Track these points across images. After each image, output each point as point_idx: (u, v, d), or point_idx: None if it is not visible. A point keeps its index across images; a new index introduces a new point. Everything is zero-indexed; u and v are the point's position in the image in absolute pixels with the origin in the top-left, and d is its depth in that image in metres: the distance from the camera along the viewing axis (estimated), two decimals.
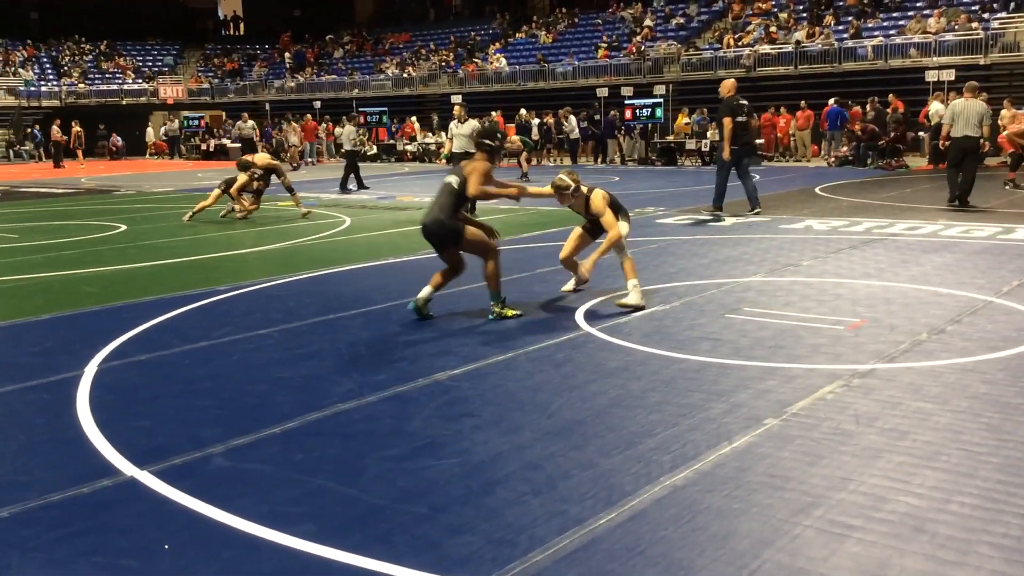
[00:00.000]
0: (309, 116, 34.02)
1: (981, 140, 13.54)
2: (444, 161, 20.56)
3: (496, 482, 3.86)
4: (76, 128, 35.74)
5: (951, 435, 4.24)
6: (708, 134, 25.50)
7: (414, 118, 34.56)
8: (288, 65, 45.45)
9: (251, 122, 30.63)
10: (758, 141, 23.78)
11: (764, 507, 3.53)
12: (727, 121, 13.00)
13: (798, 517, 3.43)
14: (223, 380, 5.55)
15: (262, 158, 15.37)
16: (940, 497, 3.58)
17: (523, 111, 28.03)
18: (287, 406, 4.96)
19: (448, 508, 3.61)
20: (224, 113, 41.66)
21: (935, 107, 21.26)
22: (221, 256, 10.92)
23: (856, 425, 4.40)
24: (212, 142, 37.22)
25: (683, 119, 27.08)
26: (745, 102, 13.40)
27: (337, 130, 20.39)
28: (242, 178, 14.49)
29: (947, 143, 13.64)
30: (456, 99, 31.06)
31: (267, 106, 40.10)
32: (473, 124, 13.67)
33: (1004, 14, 26.51)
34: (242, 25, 56.35)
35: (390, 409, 4.87)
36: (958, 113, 13.20)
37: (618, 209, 7.41)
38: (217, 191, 14.66)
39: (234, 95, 44.23)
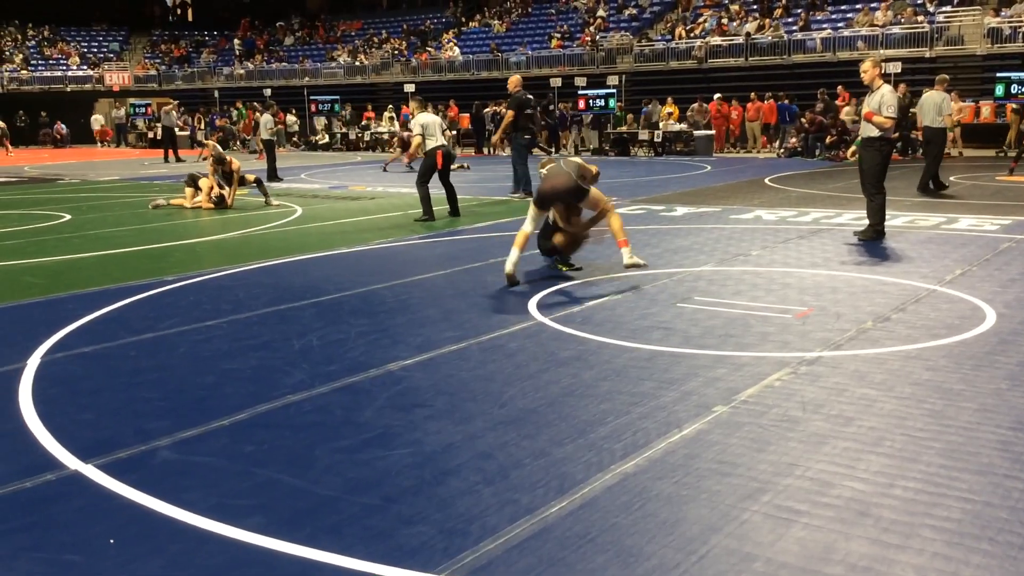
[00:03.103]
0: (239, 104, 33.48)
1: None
2: (401, 155, 20.12)
3: (448, 472, 3.85)
4: None
5: (895, 421, 4.33)
6: (660, 125, 25.69)
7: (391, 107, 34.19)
8: (237, 52, 44.75)
9: (174, 112, 29.95)
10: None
11: (713, 493, 3.57)
12: (510, 113, 14.70)
13: (746, 503, 3.48)
14: (170, 372, 5.45)
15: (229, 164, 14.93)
16: (884, 482, 3.65)
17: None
18: (236, 398, 4.90)
19: (399, 499, 3.60)
20: (173, 101, 40.93)
21: None
22: (169, 246, 10.73)
23: (803, 412, 4.46)
24: (159, 129, 36.53)
25: (667, 109, 27.05)
26: (531, 97, 15.27)
27: (265, 118, 19.94)
28: (205, 184, 14.41)
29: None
30: (409, 88, 30.89)
31: (216, 93, 39.48)
32: (422, 119, 12.29)
33: (948, 8, 27.02)
34: (190, 11, 55.33)
35: (341, 400, 4.84)
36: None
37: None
38: (190, 190, 14.52)
39: (182, 82, 43.47)
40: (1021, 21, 24.68)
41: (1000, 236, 9.82)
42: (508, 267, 7.74)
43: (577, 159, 8.16)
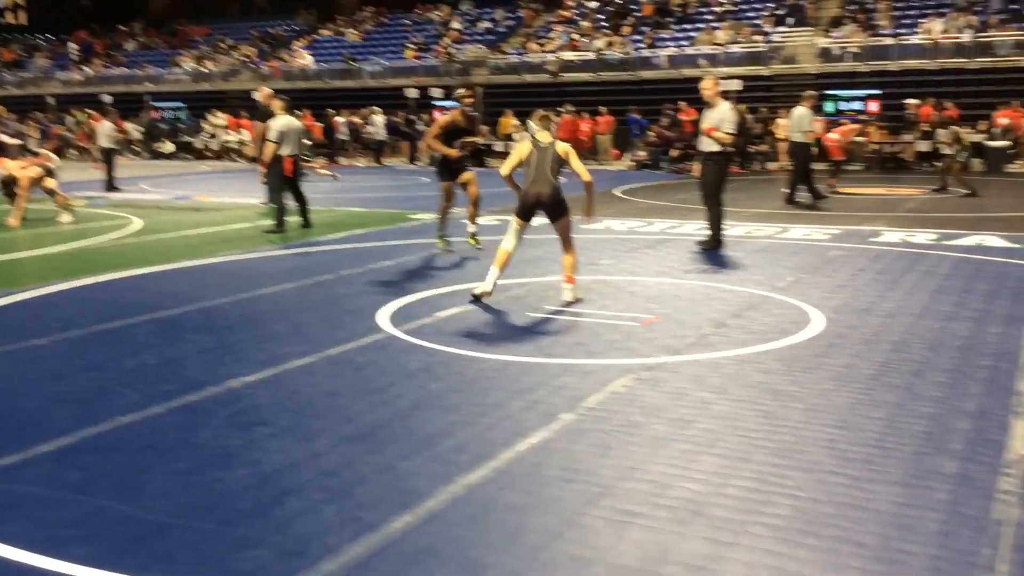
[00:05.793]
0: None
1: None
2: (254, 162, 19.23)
3: (289, 492, 3.74)
4: None
5: (729, 422, 4.50)
6: (515, 137, 26.04)
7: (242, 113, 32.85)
8: (74, 57, 42.44)
9: None
10: None
11: (556, 500, 3.61)
12: (260, 125, 14.78)
13: (587, 508, 3.53)
14: None
15: (15, 166, 13.67)
16: (718, 482, 3.78)
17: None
18: (62, 422, 4.60)
19: (236, 522, 3.46)
20: (3, 107, 38.35)
21: None
22: None
23: (644, 416, 4.58)
24: None
25: (511, 121, 27.35)
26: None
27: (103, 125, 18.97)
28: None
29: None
30: (258, 96, 29.97)
31: (50, 99, 37.31)
32: (282, 123, 11.91)
33: (784, 28, 28.61)
34: (23, 13, 52.07)
35: (177, 421, 4.62)
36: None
37: None
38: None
39: (14, 87, 40.85)
40: (849, 42, 26.39)
41: (829, 245, 10.43)
42: (487, 286, 7.19)
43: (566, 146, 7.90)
